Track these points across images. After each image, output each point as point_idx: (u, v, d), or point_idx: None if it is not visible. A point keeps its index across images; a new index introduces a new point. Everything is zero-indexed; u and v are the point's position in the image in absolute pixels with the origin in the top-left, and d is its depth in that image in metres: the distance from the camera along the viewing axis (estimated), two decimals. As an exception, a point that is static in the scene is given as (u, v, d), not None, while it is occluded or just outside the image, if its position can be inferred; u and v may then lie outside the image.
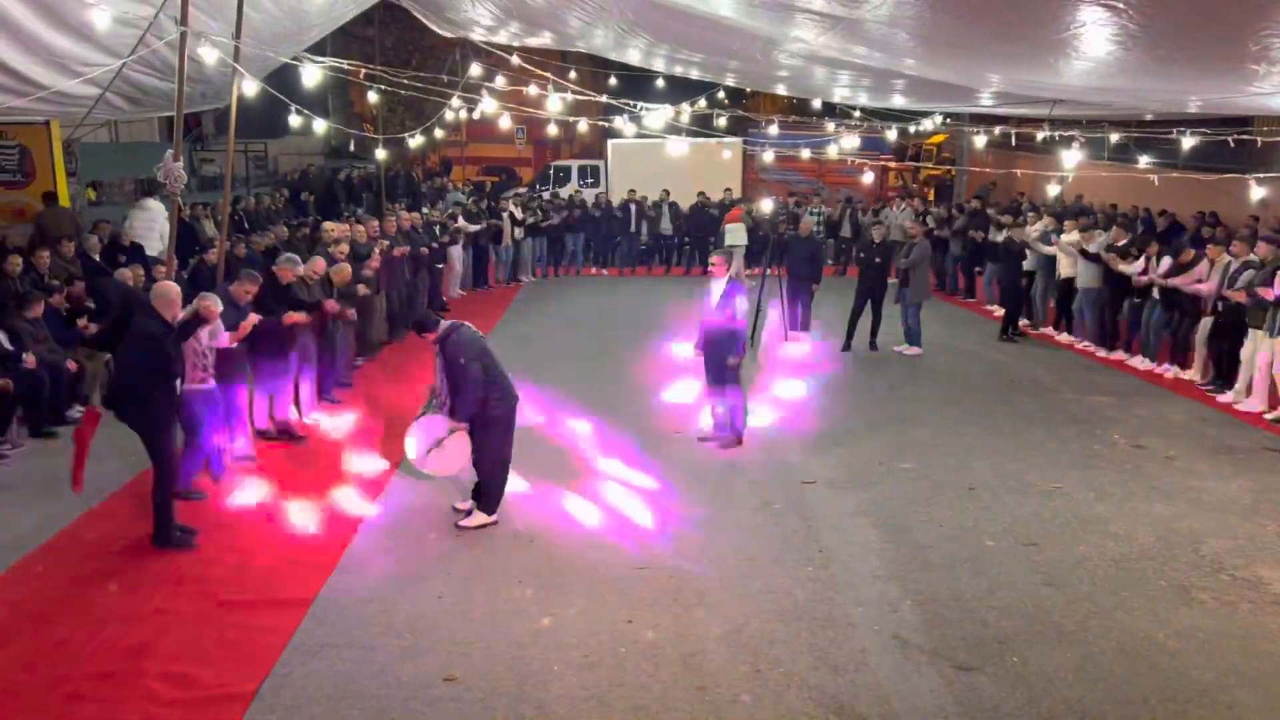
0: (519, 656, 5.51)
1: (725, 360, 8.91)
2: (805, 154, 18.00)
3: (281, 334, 8.81)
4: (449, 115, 18.06)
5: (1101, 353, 12.94)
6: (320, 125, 13.41)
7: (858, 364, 12.52)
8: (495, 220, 18.13)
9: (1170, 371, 11.79)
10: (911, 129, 19.99)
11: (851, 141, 17.61)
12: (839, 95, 16.34)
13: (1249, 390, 10.38)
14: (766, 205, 16.00)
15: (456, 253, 16.58)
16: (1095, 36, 6.87)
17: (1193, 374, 11.49)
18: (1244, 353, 10.47)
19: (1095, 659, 5.53)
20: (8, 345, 8.93)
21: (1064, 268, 13.70)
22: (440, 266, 15.21)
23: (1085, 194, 19.15)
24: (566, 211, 20.05)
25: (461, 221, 16.79)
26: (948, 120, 18.72)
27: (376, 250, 11.75)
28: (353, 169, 24.77)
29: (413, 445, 7.26)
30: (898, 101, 15.89)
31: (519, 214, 18.65)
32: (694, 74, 16.03)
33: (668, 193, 20.91)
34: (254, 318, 7.97)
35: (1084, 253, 12.94)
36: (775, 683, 5.27)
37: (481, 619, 5.93)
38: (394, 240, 13.01)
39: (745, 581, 6.44)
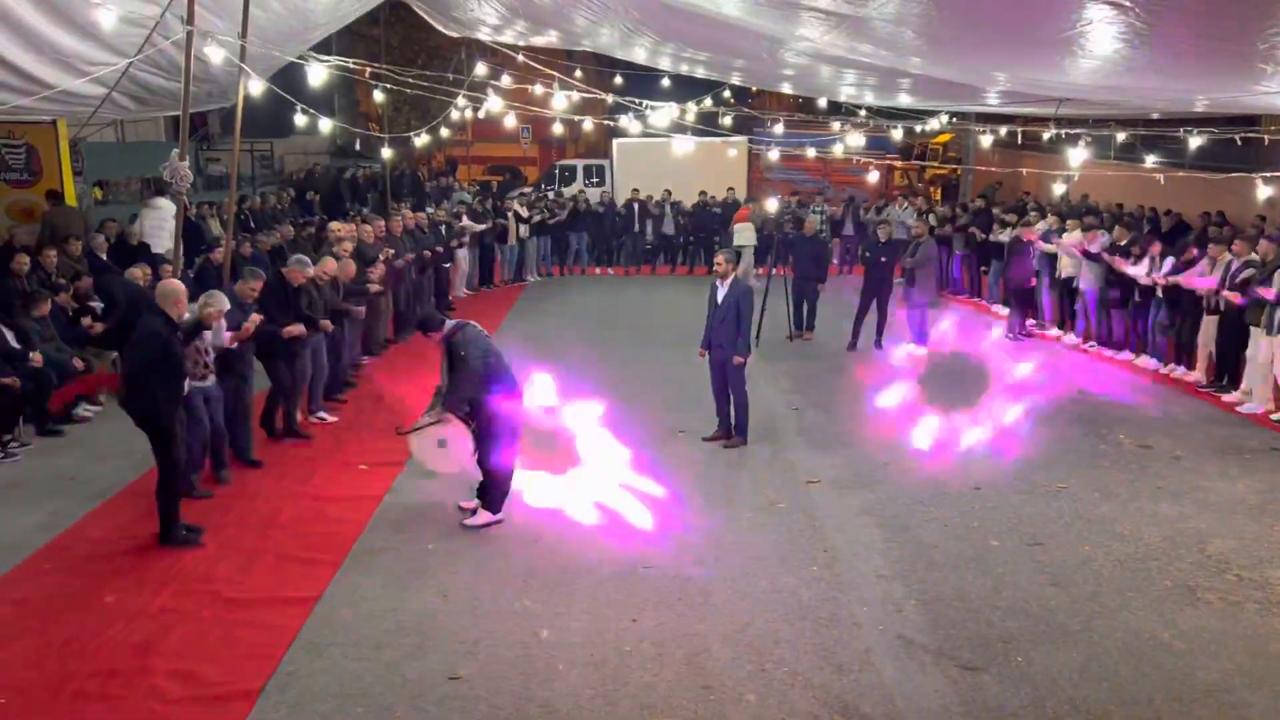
0: (524, 655, 5.51)
1: (731, 360, 8.91)
2: (811, 153, 17.98)
3: (292, 342, 8.80)
4: (454, 115, 18.06)
5: (1108, 352, 12.92)
6: (326, 124, 13.44)
7: (863, 363, 12.49)
8: (501, 219, 18.13)
9: (1177, 371, 11.76)
10: (917, 128, 19.95)
11: (857, 140, 17.60)
12: (845, 94, 16.31)
13: (1254, 390, 10.35)
14: (771, 204, 15.98)
15: (462, 252, 16.60)
16: (1102, 35, 6.85)
17: (1198, 374, 11.46)
18: (1248, 352, 10.45)
19: (1100, 659, 5.52)
20: (14, 344, 8.96)
21: (1065, 267, 13.68)
22: (447, 266, 15.21)
23: (1091, 193, 19.09)
24: (569, 211, 20.05)
25: (466, 220, 16.80)
26: (954, 119, 18.68)
27: (380, 259, 11.73)
28: (358, 168, 24.78)
29: (418, 444, 7.26)
30: (904, 100, 15.85)
31: (524, 213, 18.66)
32: (700, 72, 16.02)
33: (669, 193, 20.91)
34: (256, 318, 7.96)
35: (1086, 253, 12.91)
36: (780, 682, 5.27)
37: (487, 618, 5.94)
38: (400, 242, 13.01)
39: (750, 581, 6.44)
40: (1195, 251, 11.63)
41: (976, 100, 14.43)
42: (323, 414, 9.76)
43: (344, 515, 7.46)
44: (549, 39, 15.57)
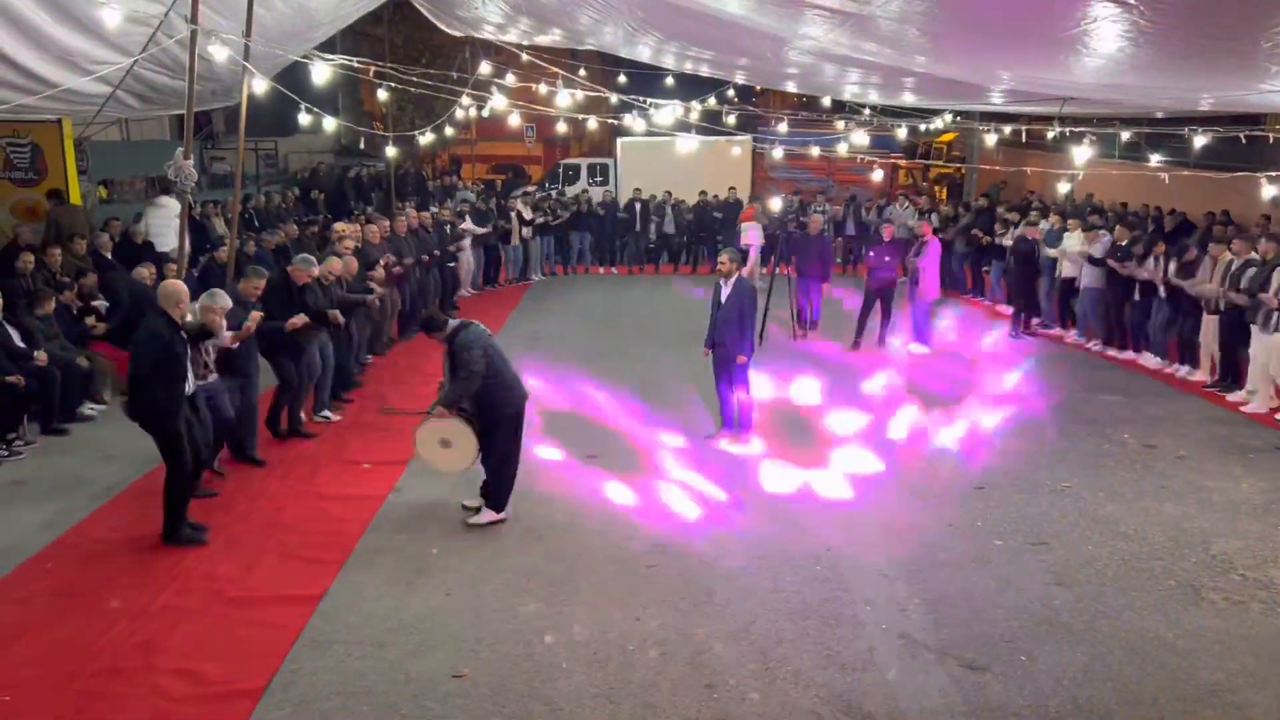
0: (528, 654, 5.52)
1: (734, 358, 8.91)
2: (815, 152, 17.96)
3: (298, 336, 8.80)
4: (459, 113, 18.06)
5: (1111, 351, 12.90)
6: (330, 123, 13.42)
7: (866, 362, 12.48)
8: (503, 222, 18.14)
9: (1181, 371, 11.74)
10: (922, 127, 19.93)
11: (861, 139, 17.57)
12: (849, 93, 16.30)
13: (1257, 390, 10.33)
14: (775, 204, 15.97)
15: (466, 252, 16.60)
16: (1106, 33, 6.84)
17: (1202, 374, 11.44)
18: (1250, 351, 10.44)
19: (1104, 658, 5.51)
20: (19, 342, 8.98)
21: (1067, 268, 13.68)
22: (452, 265, 15.21)
23: (1096, 192, 19.05)
24: (572, 212, 20.08)
25: (468, 223, 16.80)
26: (958, 118, 18.63)
27: (381, 264, 11.73)
28: (363, 167, 24.79)
29: (422, 443, 7.27)
30: (908, 99, 15.83)
31: (527, 214, 18.67)
32: (704, 70, 16.00)
33: (670, 194, 20.92)
34: (256, 316, 7.96)
35: (1091, 259, 12.91)
36: (783, 681, 5.27)
37: (490, 616, 5.94)
38: (405, 242, 13.01)
39: (753, 579, 6.44)
40: (1195, 252, 11.61)
41: (981, 99, 14.41)
42: (327, 413, 9.77)
43: (347, 514, 7.48)
44: (553, 38, 15.57)
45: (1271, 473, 8.55)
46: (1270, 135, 12.49)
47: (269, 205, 17.85)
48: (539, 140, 33.30)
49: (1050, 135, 15.97)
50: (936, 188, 27.64)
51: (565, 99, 14.47)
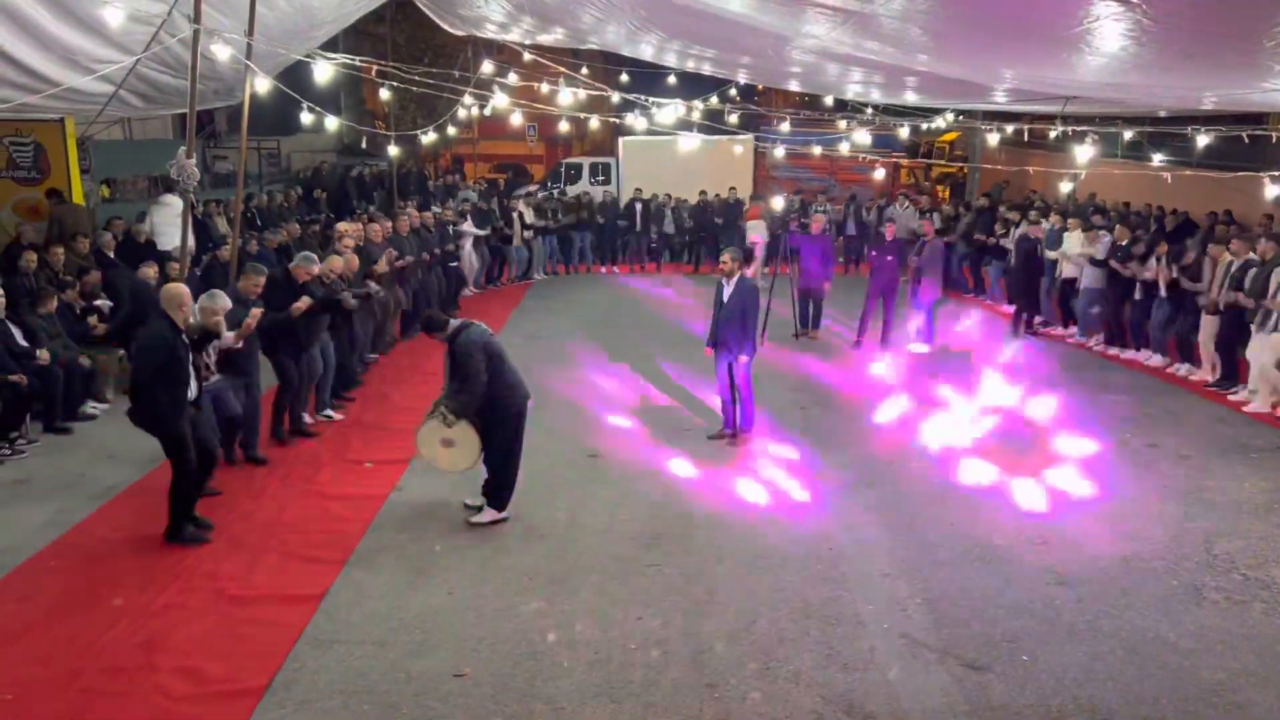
0: (529, 653, 5.52)
1: (736, 358, 8.91)
2: (817, 151, 17.96)
3: (299, 335, 8.80)
4: (461, 113, 18.07)
5: (1113, 350, 12.89)
6: (332, 122, 13.42)
7: (868, 362, 12.48)
8: (504, 227, 18.15)
9: (1183, 370, 11.73)
10: (924, 126, 19.93)
11: (863, 138, 17.56)
12: (852, 92, 16.29)
13: (1259, 389, 10.33)
14: (777, 203, 15.97)
15: (468, 251, 16.60)
16: (1109, 32, 6.83)
17: (1204, 373, 11.43)
18: (1249, 352, 10.44)
19: (1105, 658, 5.51)
20: (22, 341, 8.99)
21: (1067, 268, 13.67)
22: (454, 265, 15.21)
23: (1098, 192, 19.04)
24: (574, 214, 20.11)
25: (468, 224, 16.80)
26: (960, 117, 18.62)
27: (383, 259, 11.75)
28: (365, 166, 24.79)
29: (425, 440, 7.28)
30: (910, 98, 15.83)
31: (529, 216, 18.68)
32: (706, 69, 16.00)
33: (670, 196, 20.93)
34: (256, 313, 7.95)
35: (1094, 261, 12.90)
36: (784, 681, 5.27)
37: (492, 615, 5.95)
38: (406, 241, 13.02)
39: (754, 579, 6.44)
40: (1192, 256, 11.61)
41: (983, 98, 14.40)
42: (330, 412, 9.77)
43: (349, 513, 7.48)
44: (555, 36, 15.57)
45: (1273, 472, 8.54)
46: (1273, 134, 12.47)
47: (271, 204, 17.86)
48: (541, 139, 33.31)
49: (1052, 134, 15.96)
50: (939, 187, 27.63)
51: (567, 98, 14.47)
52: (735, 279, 8.97)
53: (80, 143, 14.03)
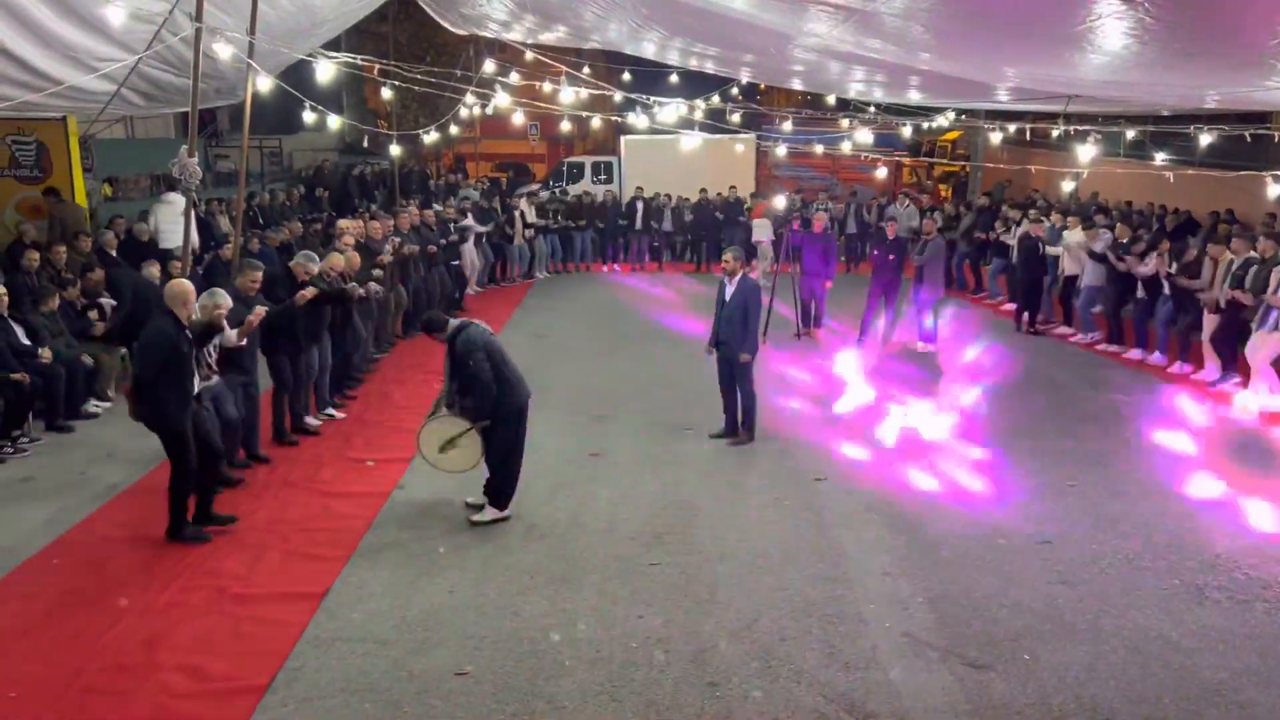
0: (531, 651, 5.52)
1: (738, 357, 8.90)
2: (819, 150, 17.96)
3: (299, 333, 8.79)
4: (463, 112, 18.06)
5: (1115, 349, 12.89)
6: (334, 121, 13.44)
7: (870, 361, 12.47)
8: (507, 226, 18.15)
9: (1185, 369, 11.72)
10: (925, 125, 19.92)
11: (865, 137, 17.54)
12: (854, 90, 16.28)
13: (1261, 388, 10.32)
14: (779, 202, 15.97)
15: (469, 250, 16.61)
16: (1112, 30, 6.82)
17: (1207, 372, 11.41)
18: (1247, 351, 10.43)
19: (1107, 657, 5.51)
20: (24, 340, 9.00)
21: (1069, 266, 13.66)
22: (456, 264, 15.21)
23: (1100, 191, 19.02)
24: (574, 215, 20.12)
25: (470, 220, 16.81)
26: (962, 116, 18.61)
27: (389, 246, 11.80)
28: (367, 165, 24.80)
29: (426, 441, 7.28)
30: (913, 97, 15.82)
31: (530, 215, 18.68)
32: (709, 67, 16.00)
33: (670, 196, 20.93)
34: (260, 311, 7.95)
35: (1091, 253, 12.89)
36: (786, 679, 5.26)
37: (493, 614, 5.95)
38: (406, 238, 13.04)
39: (756, 578, 6.44)
40: (1194, 253, 11.60)
41: (986, 97, 14.39)
42: (331, 410, 9.77)
43: (351, 511, 7.48)
44: (557, 34, 15.56)
45: (1275, 472, 8.53)
46: (1276, 134, 12.47)
47: (273, 203, 17.88)
48: (543, 138, 33.28)
49: (1055, 134, 15.94)
50: (941, 186, 27.62)
51: (569, 97, 14.47)
52: (737, 278, 8.97)
53: (82, 141, 14.04)
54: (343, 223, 12.37)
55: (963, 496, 7.90)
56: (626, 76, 18.15)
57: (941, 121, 18.66)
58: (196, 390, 6.94)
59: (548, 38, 15.99)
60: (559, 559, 6.70)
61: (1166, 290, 11.85)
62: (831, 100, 19.42)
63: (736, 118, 17.80)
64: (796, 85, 18.44)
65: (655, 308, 16.00)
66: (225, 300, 7.34)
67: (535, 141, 33.40)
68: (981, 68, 10.78)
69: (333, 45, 15.92)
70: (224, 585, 6.27)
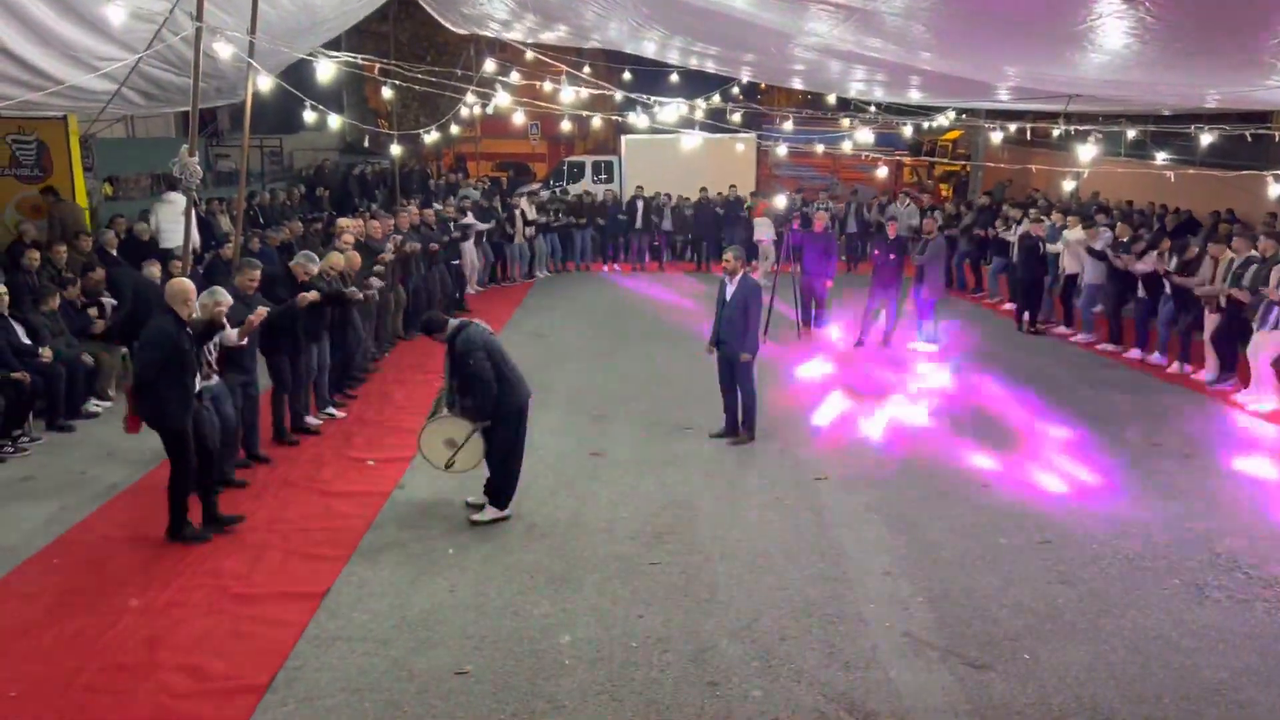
0: (531, 650, 5.52)
1: (738, 356, 8.90)
2: (820, 149, 17.96)
3: (299, 333, 8.79)
4: (463, 111, 18.07)
5: (1116, 348, 12.88)
6: (335, 121, 13.44)
7: (871, 360, 12.47)
8: (508, 226, 18.15)
9: (1186, 368, 11.71)
10: (926, 124, 19.92)
11: (866, 137, 17.54)
12: (855, 90, 16.28)
13: (1261, 388, 10.32)
14: (780, 201, 15.97)
15: (470, 249, 16.62)
16: (1112, 29, 6.82)
17: (1207, 372, 11.41)
18: (1248, 350, 10.43)
19: (1107, 657, 5.51)
20: (25, 339, 9.00)
21: (1069, 265, 13.66)
22: (456, 263, 15.21)
23: (1101, 190, 19.02)
24: (575, 214, 20.13)
25: (470, 218, 16.81)
26: (963, 115, 18.62)
27: (390, 245, 11.80)
28: (367, 164, 24.80)
29: (428, 442, 7.27)
30: (914, 96, 15.82)
31: (530, 213, 18.69)
32: (710, 67, 16.00)
33: (669, 196, 20.93)
34: (262, 311, 7.95)
35: (1090, 251, 12.89)
36: (786, 679, 5.26)
37: (494, 613, 5.95)
38: (407, 236, 13.05)
39: (756, 577, 6.43)
40: (1195, 251, 11.60)
41: (987, 96, 14.39)
42: (332, 410, 9.77)
43: (351, 511, 7.49)
44: (557, 34, 15.56)
45: (1276, 472, 8.52)
46: (1276, 133, 12.47)
47: (274, 202, 17.88)
48: (543, 138, 33.27)
49: (1055, 133, 15.94)
50: (942, 186, 27.61)
51: (570, 96, 14.48)
52: (738, 277, 8.96)
53: (83, 140, 14.04)
54: (343, 221, 12.37)
55: (961, 496, 7.89)
56: (627, 76, 18.15)
57: (942, 121, 18.65)
58: (197, 389, 6.94)
59: (548, 37, 15.99)
60: (559, 558, 6.70)
61: (1168, 290, 11.83)
62: (832, 100, 19.41)
63: (737, 117, 17.80)
64: (797, 85, 18.45)
65: (656, 307, 16.01)
66: (226, 299, 7.34)
67: (536, 141, 33.39)
68: (982, 67, 10.78)
69: (333, 45, 15.92)
70: (224, 585, 6.27)
